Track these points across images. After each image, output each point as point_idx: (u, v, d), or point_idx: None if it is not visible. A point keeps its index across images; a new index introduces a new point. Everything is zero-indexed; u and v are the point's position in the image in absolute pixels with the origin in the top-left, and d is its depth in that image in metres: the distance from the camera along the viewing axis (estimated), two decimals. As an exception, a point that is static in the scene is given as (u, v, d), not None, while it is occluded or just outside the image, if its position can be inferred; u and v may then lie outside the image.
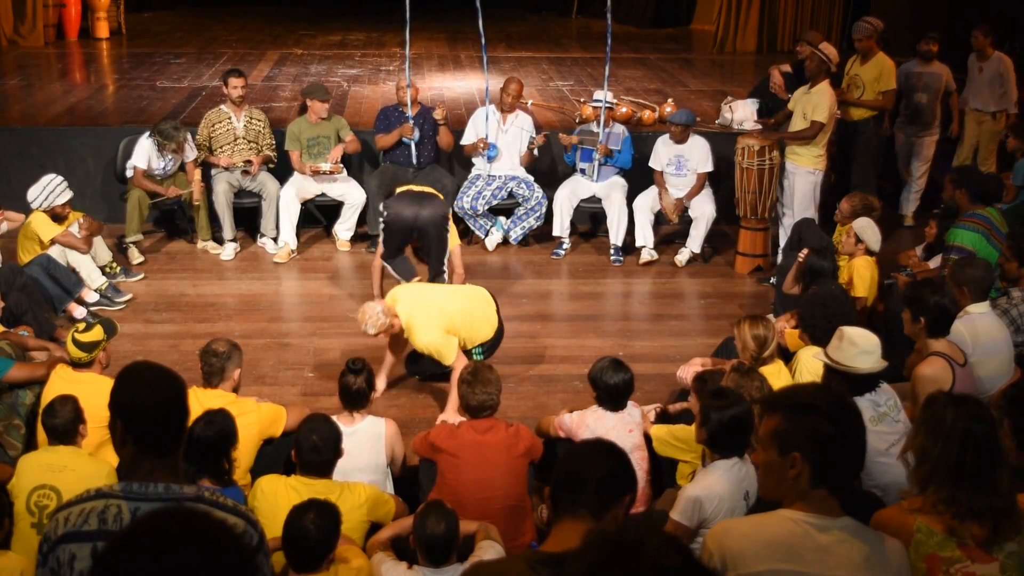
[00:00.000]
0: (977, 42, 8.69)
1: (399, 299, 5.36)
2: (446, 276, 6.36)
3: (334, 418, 4.23)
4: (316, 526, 3.29)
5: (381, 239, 6.32)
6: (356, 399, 4.43)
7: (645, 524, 1.45)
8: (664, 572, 1.39)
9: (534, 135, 7.93)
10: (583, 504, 2.31)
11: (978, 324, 4.74)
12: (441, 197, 6.45)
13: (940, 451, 2.85)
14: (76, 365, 4.68)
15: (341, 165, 7.87)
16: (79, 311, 6.44)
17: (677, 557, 1.42)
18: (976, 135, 8.82)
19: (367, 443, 4.37)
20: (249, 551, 1.61)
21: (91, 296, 6.64)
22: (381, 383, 5.57)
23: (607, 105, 7.78)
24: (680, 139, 7.72)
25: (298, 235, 7.90)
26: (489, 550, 3.52)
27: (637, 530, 1.45)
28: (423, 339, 5.22)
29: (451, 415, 4.92)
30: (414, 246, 6.48)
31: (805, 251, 5.87)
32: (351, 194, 7.87)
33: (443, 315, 5.29)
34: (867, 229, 6.02)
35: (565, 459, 2.47)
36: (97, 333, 4.67)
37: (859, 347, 4.02)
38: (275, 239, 7.89)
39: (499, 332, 5.60)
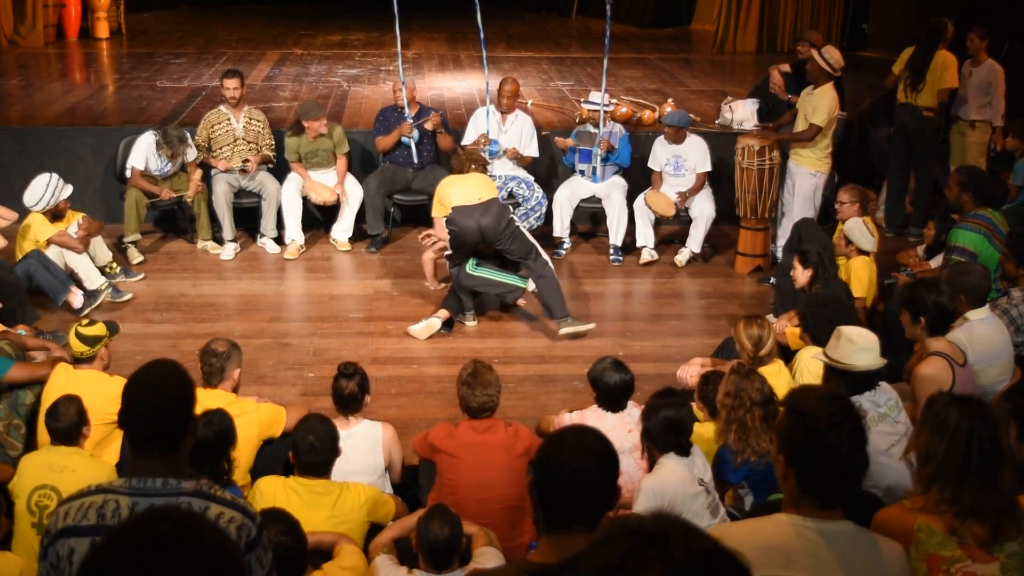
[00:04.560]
0: (972, 45, 8.32)
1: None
2: (547, 259, 6.58)
3: (329, 420, 4.23)
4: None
5: (450, 250, 6.51)
6: (348, 403, 4.42)
7: (661, 515, 1.45)
8: (696, 555, 1.40)
9: (534, 135, 7.95)
10: (579, 520, 2.16)
11: (977, 331, 4.69)
12: (488, 198, 6.52)
13: (944, 451, 2.85)
14: (77, 361, 4.71)
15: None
16: (78, 300, 6.44)
17: (705, 541, 1.44)
18: (960, 146, 8.40)
19: (364, 446, 4.35)
20: (237, 553, 1.60)
21: (77, 301, 6.55)
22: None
23: (604, 108, 7.77)
24: (675, 140, 7.72)
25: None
26: (488, 555, 3.50)
27: (657, 521, 1.47)
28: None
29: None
30: (487, 252, 6.68)
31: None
32: (349, 191, 7.87)
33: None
34: (855, 230, 6.01)
35: (552, 476, 2.20)
36: (100, 328, 4.72)
37: (857, 344, 4.02)
38: (275, 239, 7.88)
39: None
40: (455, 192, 6.46)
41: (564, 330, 6.38)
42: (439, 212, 6.58)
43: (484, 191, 6.49)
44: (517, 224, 6.58)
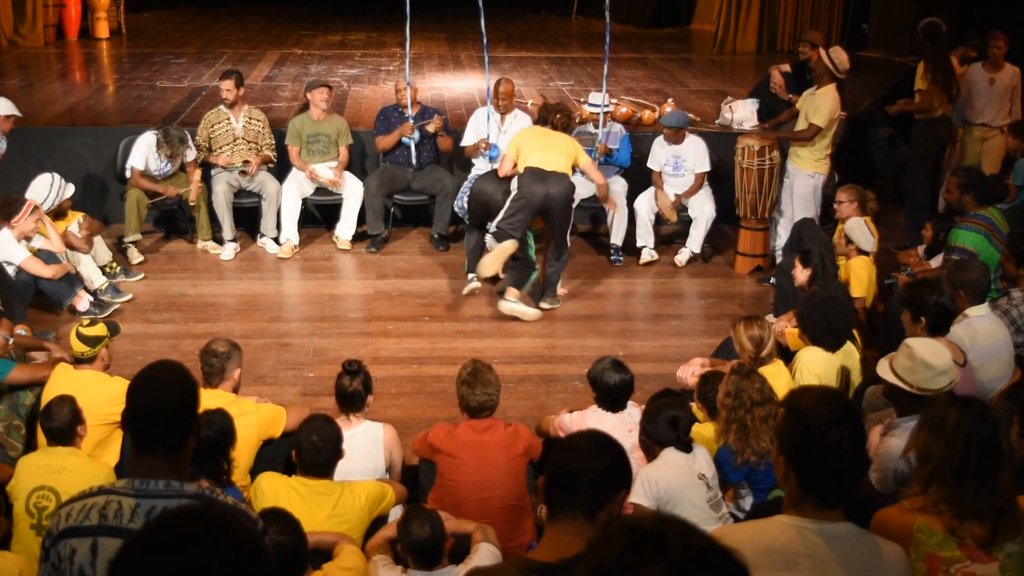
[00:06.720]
0: (999, 50, 8.18)
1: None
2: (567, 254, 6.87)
3: (330, 420, 4.22)
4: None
5: (508, 213, 6.50)
6: (351, 401, 4.41)
7: (658, 515, 1.46)
8: (693, 553, 1.41)
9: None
10: (578, 504, 2.24)
11: (977, 327, 4.71)
12: (562, 171, 6.60)
13: (943, 451, 2.85)
14: (78, 361, 4.70)
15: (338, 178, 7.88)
16: (83, 304, 6.43)
17: (703, 539, 1.44)
18: (979, 152, 8.25)
19: (364, 447, 4.34)
20: (267, 552, 1.61)
21: (83, 305, 6.55)
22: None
23: (604, 108, 7.77)
24: (674, 140, 7.72)
25: (298, 233, 7.90)
26: (485, 553, 3.50)
27: (654, 520, 1.48)
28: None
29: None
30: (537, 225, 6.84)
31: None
32: (349, 187, 7.87)
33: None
34: (856, 229, 6.01)
35: (558, 455, 2.37)
36: (100, 329, 4.71)
37: (936, 369, 3.70)
38: (275, 239, 7.89)
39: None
40: (535, 154, 6.57)
41: (545, 304, 6.87)
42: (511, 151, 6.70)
43: (562, 162, 6.60)
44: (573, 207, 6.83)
